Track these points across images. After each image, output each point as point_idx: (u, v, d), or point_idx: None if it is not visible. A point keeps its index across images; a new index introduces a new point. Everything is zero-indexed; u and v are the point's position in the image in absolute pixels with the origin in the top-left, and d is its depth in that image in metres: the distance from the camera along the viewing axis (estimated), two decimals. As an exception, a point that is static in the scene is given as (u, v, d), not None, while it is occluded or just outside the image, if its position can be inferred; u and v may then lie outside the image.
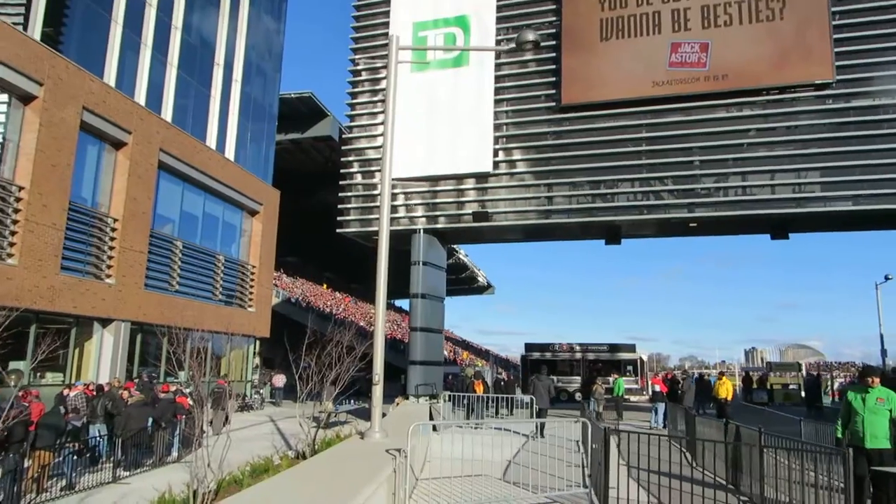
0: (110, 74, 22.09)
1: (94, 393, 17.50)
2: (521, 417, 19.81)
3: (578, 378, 39.74)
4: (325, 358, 15.04)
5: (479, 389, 20.42)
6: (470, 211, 22.14)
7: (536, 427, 18.31)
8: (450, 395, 20.90)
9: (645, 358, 43.15)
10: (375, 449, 9.51)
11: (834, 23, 19.55)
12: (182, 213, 25.85)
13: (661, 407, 21.98)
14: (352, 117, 24.17)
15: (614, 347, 41.30)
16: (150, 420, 16.16)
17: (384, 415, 13.44)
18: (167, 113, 24.76)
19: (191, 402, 17.44)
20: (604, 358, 40.52)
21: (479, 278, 76.88)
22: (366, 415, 23.89)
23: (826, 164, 19.30)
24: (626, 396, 30.40)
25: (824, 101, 19.71)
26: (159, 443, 16.12)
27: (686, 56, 20.59)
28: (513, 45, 10.11)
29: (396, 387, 26.25)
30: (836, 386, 43.04)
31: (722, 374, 22.62)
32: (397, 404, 21.50)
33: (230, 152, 28.98)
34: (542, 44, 21.87)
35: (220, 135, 28.34)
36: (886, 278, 35.86)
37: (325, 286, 62.42)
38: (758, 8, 20.22)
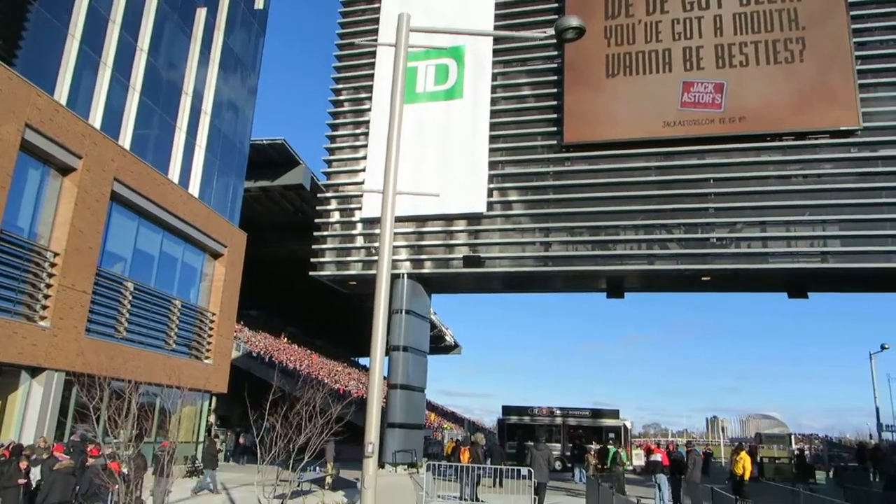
0: (62, 92, 19.68)
1: (10, 455, 14.45)
2: (518, 492, 17.25)
3: (559, 445, 37.04)
4: (292, 418, 12.41)
5: (465, 458, 17.77)
6: (460, 255, 19.97)
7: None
8: (433, 465, 18.26)
9: (629, 425, 40.75)
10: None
11: (858, 67, 18.28)
12: (136, 251, 23.10)
13: (664, 481, 19.59)
14: (331, 151, 22.10)
15: (597, 413, 38.73)
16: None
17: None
18: (125, 140, 22.30)
19: (124, 470, 14.52)
20: (586, 424, 37.85)
21: (447, 337, 74.28)
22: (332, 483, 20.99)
23: (854, 216, 17.70)
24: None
25: (849, 149, 18.26)
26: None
27: (699, 96, 19.09)
28: (548, 34, 8.13)
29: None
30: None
31: (741, 447, 20.29)
32: (371, 475, 18.71)
33: (194, 188, 26.49)
34: (543, 79, 20.31)
35: (184, 169, 25.88)
36: (883, 348, 34.43)
37: (285, 339, 59.14)
38: (775, 49, 18.91)
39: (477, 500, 17.10)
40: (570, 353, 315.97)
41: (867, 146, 18.09)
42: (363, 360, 76.34)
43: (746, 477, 18.50)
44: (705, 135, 18.87)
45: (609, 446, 29.49)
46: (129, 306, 22.23)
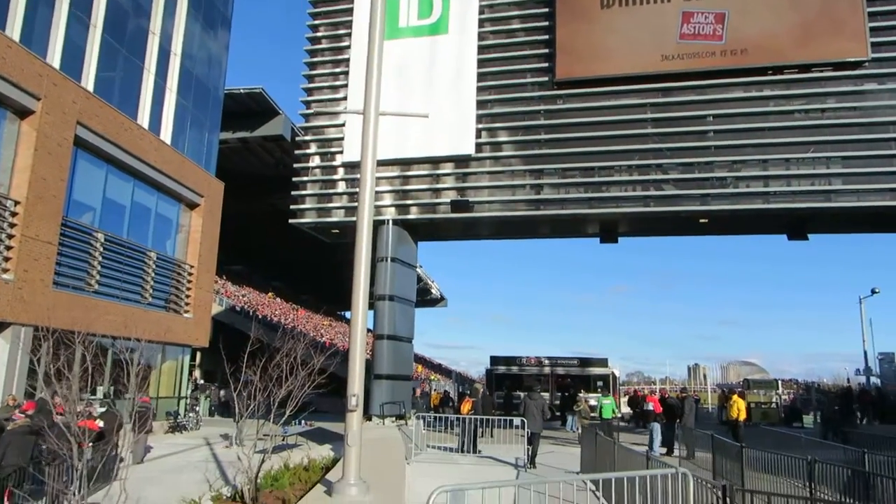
0: (14, 28, 18.17)
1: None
2: (510, 442, 16.73)
3: (547, 394, 36.81)
4: (272, 371, 11.62)
5: (466, 409, 17.16)
6: (447, 200, 19.00)
7: (526, 456, 15.29)
8: (422, 416, 17.67)
9: (618, 373, 40.59)
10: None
11: (868, -7, 17.22)
12: (105, 200, 21.88)
13: (657, 428, 19.19)
14: (309, 91, 20.80)
15: (585, 361, 38.47)
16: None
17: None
18: (88, 82, 20.86)
19: (101, 425, 13.75)
20: (574, 372, 37.59)
21: (433, 290, 73.67)
22: (319, 437, 20.40)
23: (859, 152, 16.89)
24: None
25: (855, 82, 17.33)
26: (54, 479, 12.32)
27: (699, 27, 17.99)
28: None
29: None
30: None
31: (733, 391, 19.90)
32: (359, 427, 18.08)
33: (167, 135, 25.11)
34: (534, 11, 19.08)
35: (154, 114, 24.46)
36: (873, 292, 34.17)
37: (270, 294, 58.24)
38: (779, -25, 17.78)
39: (473, 451, 16.60)
40: (557, 305, 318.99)
41: (874, 79, 17.18)
42: (350, 315, 75.73)
43: (742, 419, 18.14)
44: (705, 69, 17.85)
45: (604, 399, 29.25)
46: (100, 258, 21.15)
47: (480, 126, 19.15)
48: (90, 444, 13.71)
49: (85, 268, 20.55)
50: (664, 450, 18.24)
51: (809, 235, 19.04)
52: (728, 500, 5.45)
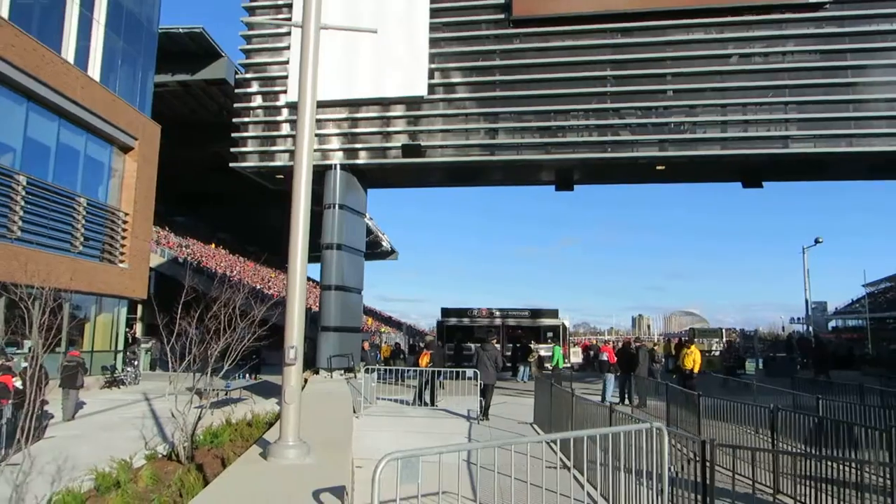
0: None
1: None
2: (463, 393, 16.32)
3: (498, 346, 36.78)
4: (209, 322, 10.75)
5: (425, 362, 16.60)
6: (398, 144, 18.08)
7: (481, 407, 14.88)
8: (372, 369, 17.11)
9: (568, 324, 40.76)
10: (292, 490, 5.50)
11: (830, -70, 16.72)
12: (27, 140, 20.16)
13: (611, 379, 19.08)
14: (251, 25, 19.36)
15: (536, 313, 38.44)
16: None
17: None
18: (1, 8, 18.98)
19: (17, 384, 12.71)
20: (525, 324, 37.55)
21: (384, 243, 72.78)
22: (265, 391, 19.67)
23: (818, 97, 16.63)
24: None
25: (818, 24, 16.95)
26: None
27: (661, -36, 17.25)
28: None
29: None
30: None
31: (688, 340, 19.84)
32: (305, 382, 17.38)
33: (95, 71, 23.24)
34: (490, -58, 17.99)
35: (80, 48, 22.55)
36: (817, 241, 34.81)
37: (213, 245, 56.44)
38: None
39: (432, 404, 16.18)
40: (508, 257, 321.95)
41: (834, 21, 16.83)
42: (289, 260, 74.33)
43: (696, 370, 18.10)
44: (666, 8, 17.19)
45: (556, 346, 29.25)
46: (22, 203, 19.59)
47: (433, 66, 18.17)
48: (10, 402, 12.74)
49: (6, 213, 19.03)
50: (616, 399, 18.16)
51: (764, 183, 18.90)
52: (706, 457, 4.98)
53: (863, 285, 63.97)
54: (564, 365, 34.11)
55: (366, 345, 22.44)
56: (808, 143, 16.48)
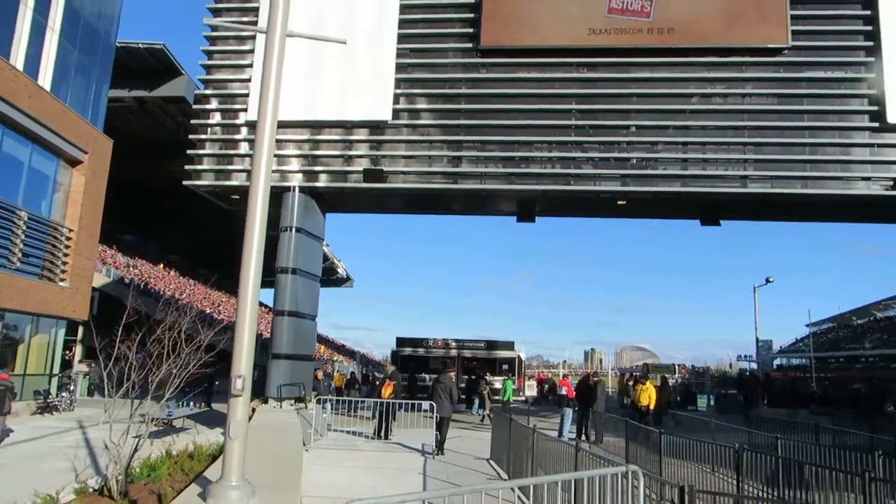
0: None
1: None
2: (417, 426, 15.83)
3: (453, 376, 36.36)
4: (152, 347, 10.10)
5: (387, 393, 16.09)
6: (360, 168, 17.73)
7: (436, 441, 14.41)
8: (324, 399, 16.50)
9: (524, 357, 40.62)
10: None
11: (791, -19, 17.24)
12: (-34, 148, 19.22)
13: (569, 413, 18.86)
14: (212, 40, 18.88)
15: (492, 344, 38.23)
16: None
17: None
18: (-52, 9, 18.17)
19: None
20: (481, 356, 37.31)
21: (339, 270, 71.92)
22: (211, 420, 18.77)
23: (775, 139, 16.99)
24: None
25: (774, 69, 17.38)
26: None
27: (628, 3, 17.49)
28: None
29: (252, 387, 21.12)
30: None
31: (644, 377, 19.78)
32: (253, 412, 16.61)
33: (45, 80, 22.34)
34: (459, -29, 18.02)
35: (31, 55, 21.66)
36: (767, 281, 35.61)
37: (162, 266, 54.69)
38: (708, -44, 17.52)
39: (387, 437, 15.66)
40: (464, 288, 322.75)
41: (793, 66, 17.27)
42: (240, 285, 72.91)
43: (652, 406, 18.02)
44: (632, 45, 17.41)
45: (507, 379, 28.97)
46: (-44, 214, 18.55)
47: (398, 91, 17.97)
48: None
49: (-64, 224, 17.96)
50: (573, 434, 17.91)
51: (721, 221, 19.14)
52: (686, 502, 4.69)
53: (806, 325, 65.75)
54: (516, 398, 33.90)
55: (319, 374, 21.74)
56: (766, 183, 16.74)
